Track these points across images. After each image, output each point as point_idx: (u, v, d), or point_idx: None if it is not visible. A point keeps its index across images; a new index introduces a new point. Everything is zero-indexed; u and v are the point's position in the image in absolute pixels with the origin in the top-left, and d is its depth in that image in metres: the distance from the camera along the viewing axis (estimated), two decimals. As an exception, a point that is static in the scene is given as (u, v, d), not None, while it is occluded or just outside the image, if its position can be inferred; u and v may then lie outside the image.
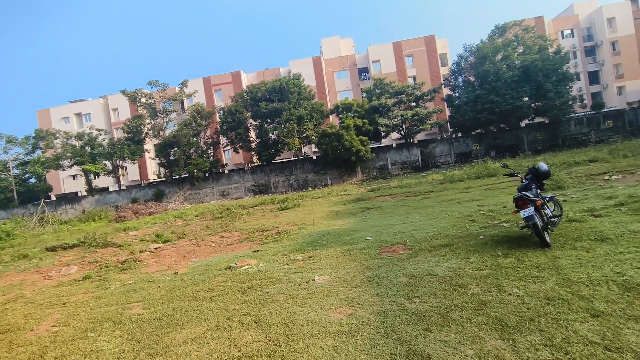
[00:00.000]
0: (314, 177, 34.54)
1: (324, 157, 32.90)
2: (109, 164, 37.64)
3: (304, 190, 32.13)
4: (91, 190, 38.20)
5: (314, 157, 36.08)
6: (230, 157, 45.01)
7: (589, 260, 4.86)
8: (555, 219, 6.12)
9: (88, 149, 36.51)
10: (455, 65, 34.60)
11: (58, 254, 13.82)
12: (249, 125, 35.60)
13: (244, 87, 40.75)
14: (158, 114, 37.05)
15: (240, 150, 37.37)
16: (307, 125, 33.40)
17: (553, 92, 29.19)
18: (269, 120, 34.79)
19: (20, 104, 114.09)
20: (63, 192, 48.21)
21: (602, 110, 36.34)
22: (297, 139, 32.97)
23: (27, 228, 26.05)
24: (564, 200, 9.04)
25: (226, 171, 38.15)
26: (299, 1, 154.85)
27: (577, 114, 34.46)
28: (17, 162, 40.25)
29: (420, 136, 38.18)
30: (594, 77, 46.88)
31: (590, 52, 46.83)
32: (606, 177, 12.36)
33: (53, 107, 50.22)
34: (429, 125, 33.89)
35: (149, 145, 40.73)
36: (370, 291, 5.03)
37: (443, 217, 9.71)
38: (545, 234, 5.68)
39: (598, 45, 46.07)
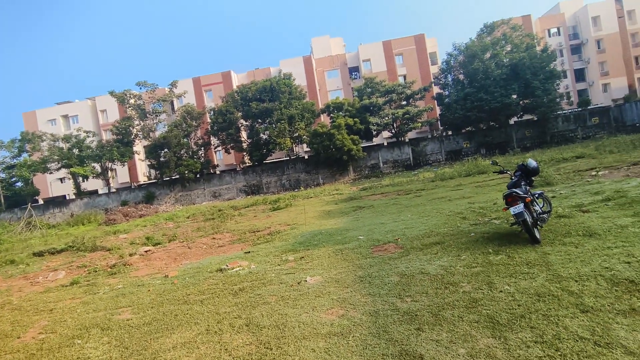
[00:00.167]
0: (306, 177, 34.49)
1: (316, 156, 32.86)
2: (97, 167, 37.08)
3: (296, 190, 32.07)
4: (80, 194, 37.63)
5: (306, 157, 36.02)
6: (221, 158, 44.72)
7: (578, 255, 4.90)
8: (545, 215, 6.17)
9: (76, 151, 35.94)
10: (444, 63, 34.80)
11: (46, 259, 13.57)
12: (240, 125, 35.40)
13: (235, 87, 40.50)
14: (147, 115, 36.64)
15: (232, 151, 37.15)
16: (299, 124, 33.33)
17: (541, 89, 29.54)
18: (260, 120, 34.63)
19: (5, 106, 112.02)
20: (51, 196, 47.43)
21: (588, 107, 36.93)
22: (288, 139, 32.87)
23: (14, 233, 25.53)
24: (553, 197, 9.14)
25: (217, 172, 37.87)
26: (289, 1, 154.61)
27: (564, 111, 34.94)
28: (3, 165, 39.46)
29: (411, 135, 38.37)
30: (580, 75, 47.60)
31: (576, 50, 47.52)
32: (593, 173, 12.53)
33: (39, 109, 49.37)
34: (420, 124, 34.03)
35: (139, 146, 40.27)
36: (362, 291, 5.01)
37: (434, 215, 9.75)
38: (535, 230, 5.72)
39: (583, 43, 46.77)
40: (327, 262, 6.87)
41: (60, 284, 9.00)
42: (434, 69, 43.30)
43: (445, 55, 34.85)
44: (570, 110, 36.88)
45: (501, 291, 4.22)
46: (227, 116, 33.76)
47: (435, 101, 36.27)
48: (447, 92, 34.85)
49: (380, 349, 3.43)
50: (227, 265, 7.74)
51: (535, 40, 32.81)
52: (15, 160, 38.59)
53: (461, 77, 33.44)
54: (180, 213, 24.05)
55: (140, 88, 36.28)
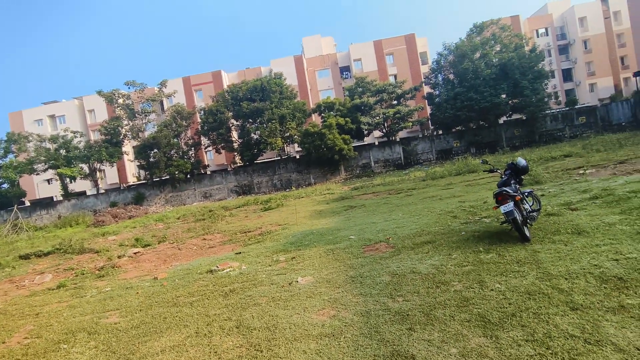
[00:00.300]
0: (298, 177, 34.40)
1: (307, 156, 32.79)
2: (85, 167, 36.47)
3: (287, 190, 31.97)
4: (67, 195, 37.01)
5: (297, 157, 35.92)
6: (212, 158, 44.39)
7: (567, 253, 4.94)
8: (534, 214, 6.21)
9: (63, 152, 35.32)
10: (435, 63, 35.00)
11: (32, 262, 13.32)
12: (230, 125, 35.16)
13: (225, 86, 40.22)
14: (136, 114, 36.15)
15: (223, 151, 36.88)
16: (290, 124, 33.21)
17: (529, 89, 29.87)
18: (250, 120, 34.44)
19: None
20: (38, 198, 46.61)
21: (576, 107, 37.44)
22: (279, 139, 32.74)
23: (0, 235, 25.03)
24: (542, 195, 9.23)
25: (208, 172, 37.56)
26: (279, 0, 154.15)
27: (552, 111, 35.36)
28: (-12, 167, 38.61)
29: (402, 134, 38.51)
30: (567, 75, 48.31)
31: (563, 50, 48.22)
32: (581, 172, 12.70)
33: (25, 109, 48.50)
34: (411, 123, 34.17)
35: (128, 147, 39.75)
36: (353, 291, 4.99)
37: (425, 214, 9.78)
38: (525, 228, 5.76)
39: (571, 43, 47.48)
40: (319, 262, 6.84)
41: (46, 287, 8.83)
42: (424, 69, 43.58)
43: (435, 55, 35.08)
44: (558, 110, 37.36)
45: (492, 290, 4.23)
46: (218, 116, 33.51)
47: (426, 101, 36.45)
48: (437, 92, 35.05)
49: (371, 349, 3.40)
50: (217, 267, 7.66)
51: (524, 41, 33.19)
52: (1, 162, 37.78)
53: (451, 76, 33.67)
54: (170, 214, 23.80)
55: (129, 87, 35.78)
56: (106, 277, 9.03)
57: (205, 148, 37.98)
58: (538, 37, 47.43)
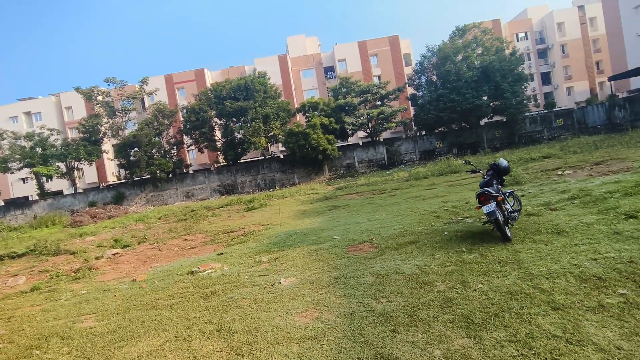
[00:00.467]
0: (282, 177, 34.21)
1: (291, 156, 32.63)
2: (62, 166, 35.36)
3: (271, 189, 31.75)
4: (43, 194, 35.81)
5: (281, 156, 35.71)
6: (194, 157, 43.72)
7: (548, 253, 5.00)
8: (515, 214, 6.29)
9: (39, 149, 34.13)
10: (418, 65, 35.32)
11: (5, 264, 12.80)
12: (213, 124, 34.68)
13: (208, 85, 39.68)
14: (116, 112, 35.25)
15: (205, 150, 36.34)
16: (274, 124, 32.99)
17: (510, 91, 30.48)
18: (234, 119, 34.04)
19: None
20: (12, 197, 45.00)
21: (554, 110, 38.40)
22: (263, 138, 32.48)
23: (-31, 236, 23.99)
24: (522, 195, 9.38)
25: (191, 172, 36.95)
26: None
27: (531, 113, 36.15)
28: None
29: (385, 134, 38.74)
30: (546, 78, 49.58)
31: (542, 54, 49.47)
32: (559, 172, 13.00)
33: (0, 105, 46.82)
34: (394, 124, 34.41)
35: (107, 145, 38.77)
36: (336, 292, 4.93)
37: (409, 214, 9.81)
38: (506, 228, 5.82)
39: (549, 48, 48.75)
40: (302, 262, 6.76)
41: (19, 290, 8.49)
42: (408, 70, 43.97)
43: (419, 57, 35.38)
44: (537, 112, 38.25)
45: (475, 290, 4.24)
46: (201, 115, 33.01)
47: (409, 102, 36.77)
48: (420, 93, 35.40)
49: (355, 352, 3.35)
50: (198, 268, 7.49)
51: (505, 44, 33.85)
52: (-28, 160, 36.27)
53: (434, 78, 34.05)
54: (151, 214, 23.30)
55: (109, 85, 34.89)
56: (82, 280, 8.73)
57: (188, 147, 37.35)
58: (518, 40, 48.54)
